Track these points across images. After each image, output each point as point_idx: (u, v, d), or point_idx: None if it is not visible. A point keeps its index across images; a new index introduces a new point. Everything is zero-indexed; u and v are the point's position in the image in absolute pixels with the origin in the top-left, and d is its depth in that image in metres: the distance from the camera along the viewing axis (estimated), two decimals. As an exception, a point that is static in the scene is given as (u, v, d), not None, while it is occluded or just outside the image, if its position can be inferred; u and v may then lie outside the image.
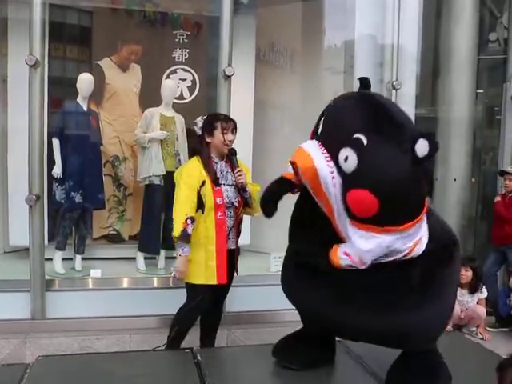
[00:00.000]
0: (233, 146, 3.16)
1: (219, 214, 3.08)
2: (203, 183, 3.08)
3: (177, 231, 3.00)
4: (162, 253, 4.53)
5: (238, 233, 3.27)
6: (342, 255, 2.00)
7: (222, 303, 3.45)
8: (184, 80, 5.10)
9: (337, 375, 2.46)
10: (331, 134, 2.03)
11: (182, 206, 3.06)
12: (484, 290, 4.15)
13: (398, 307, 2.08)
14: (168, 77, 5.00)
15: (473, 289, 4.09)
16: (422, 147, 1.82)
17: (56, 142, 4.16)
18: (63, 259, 4.27)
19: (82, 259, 4.39)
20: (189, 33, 5.11)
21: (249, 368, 3.09)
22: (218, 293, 3.26)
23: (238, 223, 3.25)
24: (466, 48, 5.02)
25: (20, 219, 3.90)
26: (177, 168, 4.41)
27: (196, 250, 3.11)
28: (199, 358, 3.20)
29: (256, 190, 3.19)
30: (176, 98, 4.75)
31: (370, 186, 1.84)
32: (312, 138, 2.11)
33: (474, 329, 4.04)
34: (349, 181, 1.90)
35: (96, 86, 4.37)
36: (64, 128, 4.18)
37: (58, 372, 3.03)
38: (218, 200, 3.08)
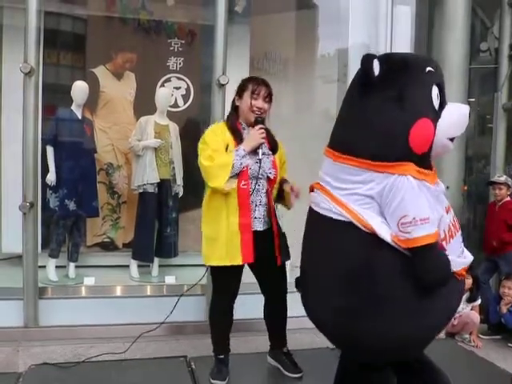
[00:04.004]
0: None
1: (242, 182, 2.72)
2: (227, 147, 2.74)
3: (220, 182, 2.65)
4: (156, 261, 4.53)
5: (275, 213, 2.86)
6: None
7: (280, 295, 3.02)
8: (178, 88, 5.11)
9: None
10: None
11: (214, 157, 2.68)
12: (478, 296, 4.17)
13: None
14: (162, 85, 5.01)
15: (472, 296, 4.10)
16: None
17: (50, 150, 4.17)
18: (57, 267, 4.26)
19: (76, 267, 4.38)
20: (183, 41, 5.13)
21: (242, 376, 3.10)
22: (268, 282, 2.99)
23: (271, 200, 2.84)
24: (458, 57, 5.06)
25: (13, 226, 3.89)
26: (171, 176, 4.44)
27: (215, 226, 2.77)
28: (193, 366, 3.22)
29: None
30: (170, 106, 4.76)
31: None
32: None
33: (467, 336, 4.05)
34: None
35: (90, 93, 4.38)
36: (58, 135, 4.19)
37: (50, 381, 3.04)
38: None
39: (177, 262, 4.64)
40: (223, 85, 3.73)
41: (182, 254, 4.66)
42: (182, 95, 5.13)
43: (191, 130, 5.06)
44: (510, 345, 4.02)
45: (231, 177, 2.69)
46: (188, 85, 5.13)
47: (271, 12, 5.17)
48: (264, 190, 2.83)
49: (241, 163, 2.70)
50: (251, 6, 4.88)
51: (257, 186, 2.79)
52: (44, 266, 4.13)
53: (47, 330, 3.63)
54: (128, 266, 4.50)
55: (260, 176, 2.77)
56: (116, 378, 3.06)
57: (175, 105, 5.07)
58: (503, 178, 4.72)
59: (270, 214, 2.86)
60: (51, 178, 4.15)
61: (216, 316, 3.01)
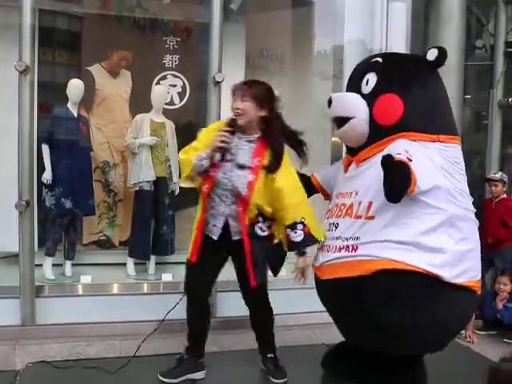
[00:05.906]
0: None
1: (205, 186, 2.78)
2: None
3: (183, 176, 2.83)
4: (152, 258, 4.53)
5: (250, 233, 2.79)
6: None
7: (258, 313, 3.06)
8: (174, 86, 5.10)
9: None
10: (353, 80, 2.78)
11: (187, 151, 2.83)
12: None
13: None
14: (158, 83, 5.00)
15: None
16: (432, 52, 2.65)
17: (46, 148, 4.14)
18: (53, 265, 4.25)
19: (72, 265, 4.37)
20: (179, 39, 5.12)
21: (237, 373, 3.12)
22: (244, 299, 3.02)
23: (241, 217, 2.77)
24: (454, 54, 5.07)
25: (9, 225, 3.88)
26: (168, 174, 4.44)
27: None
28: (189, 363, 3.22)
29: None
30: (166, 104, 4.75)
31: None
32: None
33: (463, 332, 4.07)
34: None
35: (86, 91, 4.36)
36: (54, 134, 4.17)
37: (47, 379, 3.05)
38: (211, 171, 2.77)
39: (173, 260, 4.64)
40: (219, 82, 3.73)
41: (179, 251, 4.66)
42: (178, 93, 5.13)
43: (187, 128, 5.06)
44: (505, 340, 4.05)
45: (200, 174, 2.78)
46: (184, 82, 5.13)
47: (267, 9, 5.18)
48: (229, 202, 2.79)
49: (201, 164, 2.74)
50: (247, 4, 4.88)
51: (220, 195, 2.80)
52: (40, 265, 4.12)
53: (44, 329, 3.64)
54: (125, 264, 4.50)
55: (226, 187, 2.77)
56: (113, 375, 3.07)
57: (171, 102, 5.07)
58: (499, 175, 4.74)
59: (242, 232, 2.80)
60: (47, 176, 4.14)
61: (189, 314, 3.03)
